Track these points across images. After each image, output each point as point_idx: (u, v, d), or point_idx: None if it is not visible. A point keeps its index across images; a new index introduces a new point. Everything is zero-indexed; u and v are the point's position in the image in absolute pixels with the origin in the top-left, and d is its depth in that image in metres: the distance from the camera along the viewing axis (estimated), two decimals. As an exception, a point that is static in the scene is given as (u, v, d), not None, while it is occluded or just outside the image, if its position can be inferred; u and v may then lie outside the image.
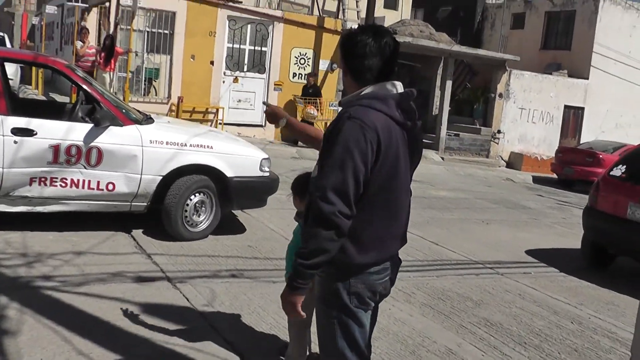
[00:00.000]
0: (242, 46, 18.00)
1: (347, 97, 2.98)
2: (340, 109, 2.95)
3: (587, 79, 23.84)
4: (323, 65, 18.78)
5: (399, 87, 2.94)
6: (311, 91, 17.95)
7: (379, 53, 2.89)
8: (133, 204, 6.91)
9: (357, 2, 20.46)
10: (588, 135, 23.76)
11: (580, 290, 7.66)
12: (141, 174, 6.77)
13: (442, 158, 20.44)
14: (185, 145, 7.05)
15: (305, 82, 18.39)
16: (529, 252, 9.23)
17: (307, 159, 16.07)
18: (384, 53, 2.90)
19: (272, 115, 3.84)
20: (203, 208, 7.21)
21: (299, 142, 17.26)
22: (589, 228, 8.70)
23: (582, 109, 24.03)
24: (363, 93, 2.90)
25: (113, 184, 6.67)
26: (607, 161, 18.20)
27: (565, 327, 6.18)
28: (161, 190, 6.94)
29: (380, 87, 2.91)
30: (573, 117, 23.96)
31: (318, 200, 2.69)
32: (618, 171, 8.44)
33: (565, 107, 23.61)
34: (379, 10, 20.45)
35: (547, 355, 5.41)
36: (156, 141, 6.86)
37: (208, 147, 7.22)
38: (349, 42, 2.94)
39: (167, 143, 6.92)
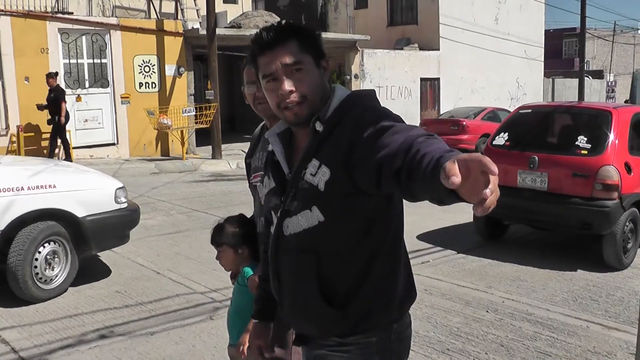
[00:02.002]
0: (79, 60, 16.61)
1: (326, 109, 2.08)
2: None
3: (438, 50, 24.16)
4: (170, 70, 17.70)
5: None
6: (52, 95, 14.67)
7: None
8: (-32, 270, 5.70)
9: (194, 0, 19.48)
10: (447, 104, 24.12)
11: (484, 270, 7.27)
12: (-28, 233, 5.59)
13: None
14: (23, 188, 5.90)
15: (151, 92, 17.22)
16: (420, 237, 8.78)
17: (168, 173, 15.05)
18: None
19: None
20: (56, 259, 6.08)
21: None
22: (481, 203, 8.28)
23: (438, 79, 24.36)
24: (337, 94, 2.14)
25: (-62, 252, 5.46)
26: (471, 127, 18.38)
27: (482, 319, 5.70)
28: (2, 247, 5.78)
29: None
30: (430, 89, 24.23)
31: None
32: (501, 140, 8.05)
33: (421, 79, 23.85)
34: (219, 6, 19.66)
35: (474, 358, 4.86)
36: (-15, 190, 5.69)
37: (50, 186, 6.09)
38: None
39: (-2, 190, 5.76)
